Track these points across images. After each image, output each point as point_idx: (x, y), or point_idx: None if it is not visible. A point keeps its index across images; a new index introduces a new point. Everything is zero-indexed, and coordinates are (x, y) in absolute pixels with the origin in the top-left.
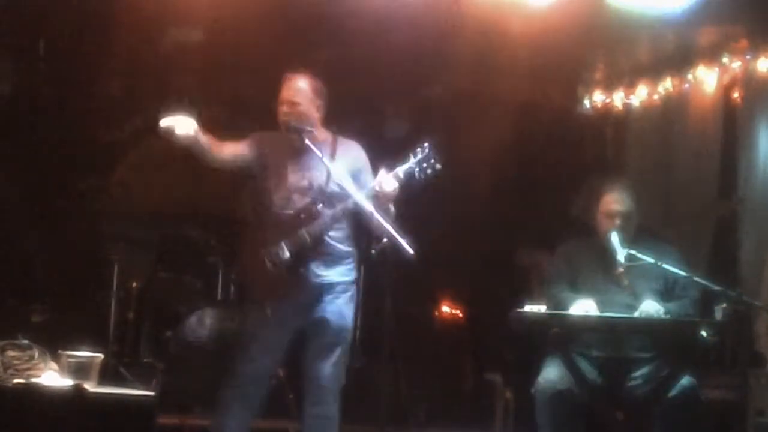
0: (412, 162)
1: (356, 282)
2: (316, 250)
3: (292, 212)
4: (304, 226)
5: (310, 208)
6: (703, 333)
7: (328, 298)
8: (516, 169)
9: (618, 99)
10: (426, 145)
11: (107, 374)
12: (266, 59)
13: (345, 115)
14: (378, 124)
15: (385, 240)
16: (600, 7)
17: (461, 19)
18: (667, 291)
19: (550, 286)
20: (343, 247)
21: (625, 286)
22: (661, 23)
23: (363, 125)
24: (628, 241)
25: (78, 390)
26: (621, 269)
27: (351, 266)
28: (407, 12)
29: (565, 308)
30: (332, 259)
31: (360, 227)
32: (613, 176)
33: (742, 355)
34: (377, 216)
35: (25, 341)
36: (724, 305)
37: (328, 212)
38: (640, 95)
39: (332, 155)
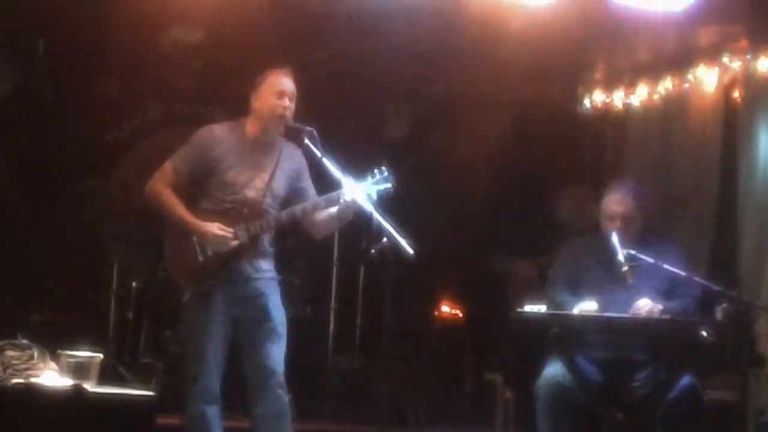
0: (369, 182)
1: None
2: (255, 247)
3: (236, 206)
4: (246, 221)
5: (255, 204)
6: (703, 333)
7: (265, 291)
8: (516, 169)
9: (618, 98)
10: (383, 168)
11: (107, 374)
12: (265, 58)
13: (344, 114)
14: (377, 124)
15: (384, 240)
16: (600, 7)
17: (461, 19)
18: (670, 290)
19: (551, 286)
20: (270, 248)
21: (629, 286)
22: (661, 23)
23: (361, 124)
24: (632, 242)
25: (77, 390)
26: (626, 268)
27: (273, 264)
28: (407, 11)
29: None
30: (263, 256)
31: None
32: (615, 177)
33: (742, 355)
34: (376, 216)
35: (25, 341)
36: (724, 305)
37: (272, 213)
38: (641, 95)
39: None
